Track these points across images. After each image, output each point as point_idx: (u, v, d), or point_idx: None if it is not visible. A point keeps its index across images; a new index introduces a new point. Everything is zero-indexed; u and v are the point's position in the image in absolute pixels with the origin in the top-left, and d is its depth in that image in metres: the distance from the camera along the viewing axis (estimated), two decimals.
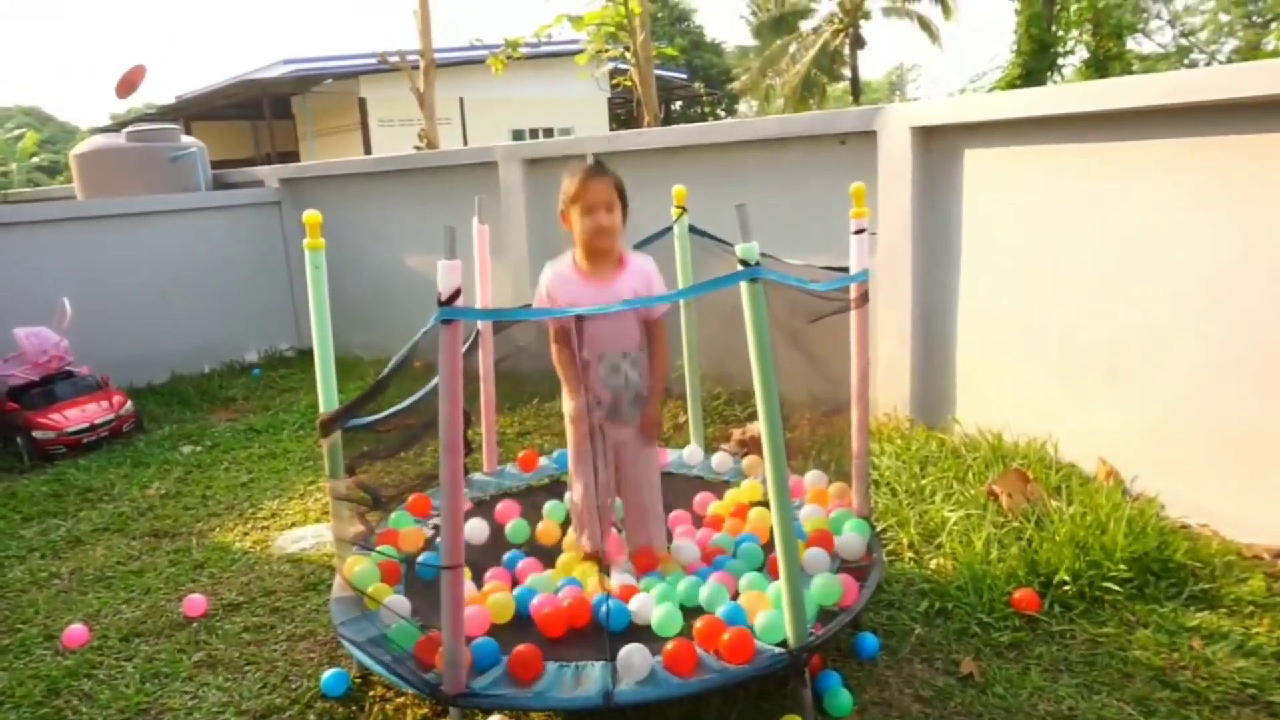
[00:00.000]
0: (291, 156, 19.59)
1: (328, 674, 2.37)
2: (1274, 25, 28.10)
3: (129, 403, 4.87)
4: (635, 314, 2.43)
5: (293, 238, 6.48)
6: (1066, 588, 2.54)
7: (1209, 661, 2.24)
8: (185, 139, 6.95)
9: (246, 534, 3.52)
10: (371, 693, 2.35)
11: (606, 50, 7.94)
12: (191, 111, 20.00)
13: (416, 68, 8.77)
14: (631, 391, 2.47)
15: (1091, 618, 2.47)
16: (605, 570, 2.40)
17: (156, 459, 4.44)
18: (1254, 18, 29.14)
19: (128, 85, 7.12)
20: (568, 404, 2.56)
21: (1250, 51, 27.62)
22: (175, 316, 6.05)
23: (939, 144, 3.70)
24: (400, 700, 2.30)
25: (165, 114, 19.33)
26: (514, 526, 2.88)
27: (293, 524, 3.60)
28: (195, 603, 2.87)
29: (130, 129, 6.89)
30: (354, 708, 2.30)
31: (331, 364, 2.39)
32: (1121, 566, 2.57)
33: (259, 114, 19.24)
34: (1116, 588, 2.53)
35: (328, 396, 2.38)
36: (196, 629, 2.78)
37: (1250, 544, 2.78)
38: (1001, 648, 2.39)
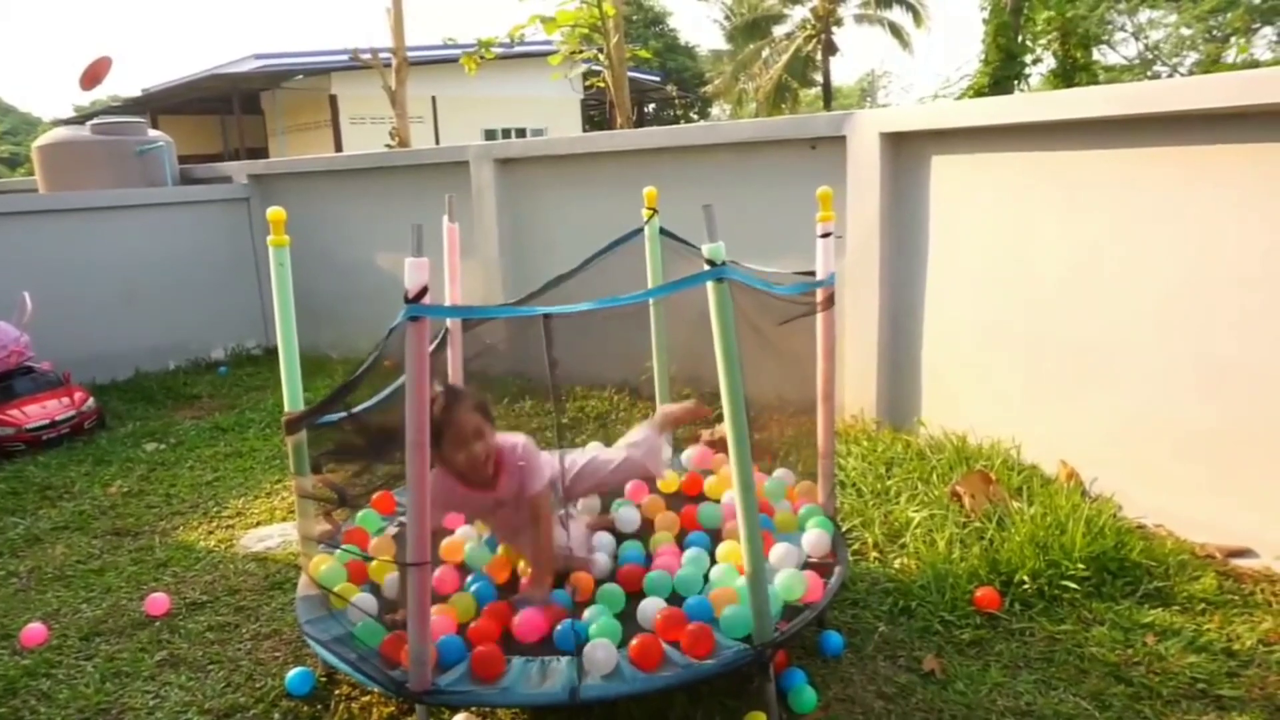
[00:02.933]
0: (261, 153, 19.37)
1: (292, 673, 2.36)
2: (1233, 40, 28.75)
3: (91, 399, 4.80)
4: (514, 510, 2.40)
5: (261, 235, 6.41)
6: (1026, 586, 2.59)
7: (1161, 657, 2.29)
8: (152, 133, 6.85)
9: (211, 533, 3.49)
10: (337, 691, 2.34)
11: (580, 51, 7.95)
12: (158, 105, 19.73)
13: (389, 65, 8.73)
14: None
15: (1050, 615, 2.52)
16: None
17: (119, 456, 4.38)
18: (1214, 32, 29.79)
19: (92, 77, 7.00)
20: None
21: (1211, 64, 28.23)
22: (140, 313, 5.96)
23: (907, 150, 3.75)
24: (366, 699, 2.29)
25: (131, 107, 19.05)
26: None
27: (258, 523, 3.57)
28: (157, 601, 2.83)
29: (95, 121, 6.78)
30: (319, 706, 2.29)
31: (296, 362, 2.38)
32: (1080, 565, 2.63)
33: (228, 109, 19.03)
34: (1075, 586, 2.58)
35: (292, 394, 2.37)
36: (159, 628, 2.74)
37: (1203, 544, 2.85)
38: (963, 645, 2.43)
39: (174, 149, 6.82)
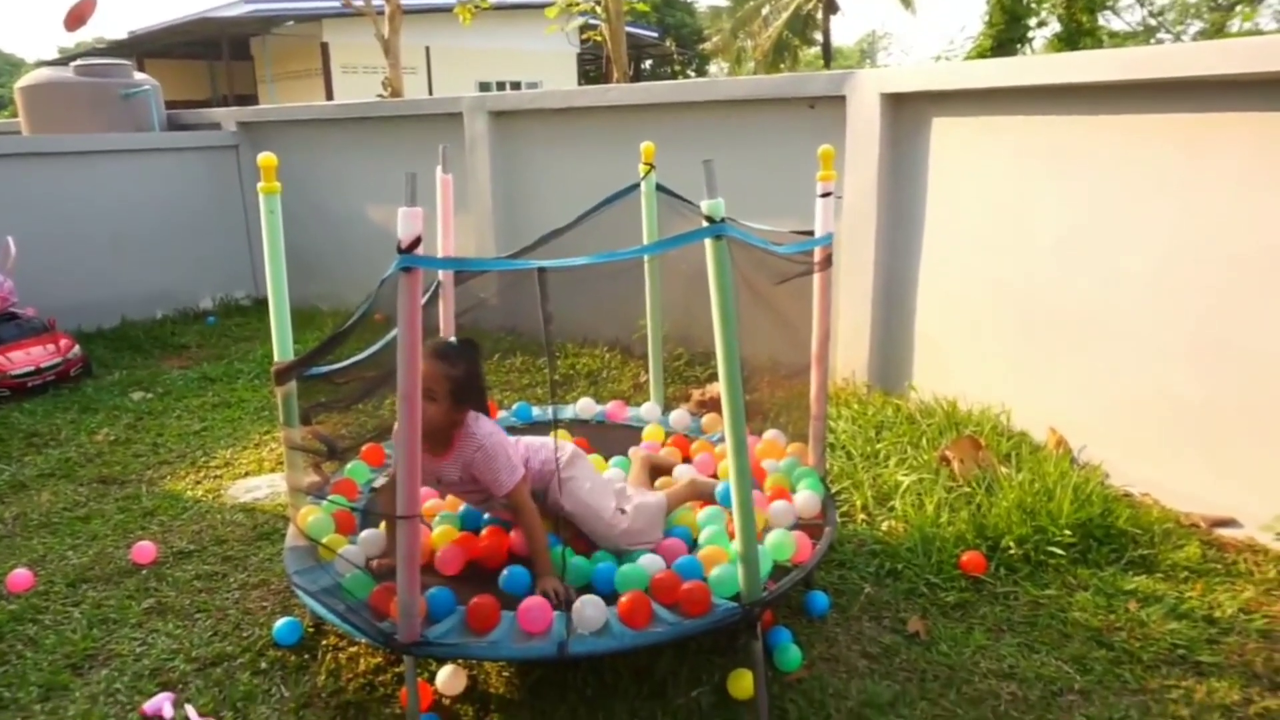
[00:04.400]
0: (249, 100, 19.03)
1: (280, 623, 2.36)
2: (1239, 8, 28.44)
3: (76, 347, 4.75)
4: (472, 486, 2.30)
5: (250, 183, 6.32)
6: (1012, 551, 2.61)
7: (1143, 623, 2.32)
8: (138, 76, 6.71)
9: (199, 482, 3.47)
10: (325, 642, 2.34)
11: (577, 4, 7.79)
12: (145, 48, 19.31)
13: (382, 13, 8.54)
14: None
15: (1035, 580, 2.54)
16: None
17: (105, 405, 4.35)
18: (1219, 0, 29.46)
19: (76, 18, 6.82)
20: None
21: (1215, 33, 27.93)
22: (126, 260, 5.88)
23: (907, 111, 3.70)
24: (353, 649, 2.30)
25: (116, 50, 18.63)
26: None
27: (246, 473, 3.55)
28: (144, 549, 2.83)
29: (79, 63, 6.63)
30: (306, 656, 2.30)
31: (286, 311, 2.34)
32: (1066, 532, 2.64)
33: (216, 54, 18.67)
34: (1060, 552, 2.60)
35: (282, 344, 2.34)
36: (146, 576, 2.74)
37: (1188, 513, 2.87)
38: (948, 608, 2.45)
39: (160, 93, 6.68)
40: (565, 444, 2.55)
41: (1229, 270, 2.81)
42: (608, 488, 2.43)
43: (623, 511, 2.35)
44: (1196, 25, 30.24)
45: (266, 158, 2.25)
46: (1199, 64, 2.79)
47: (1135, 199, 3.03)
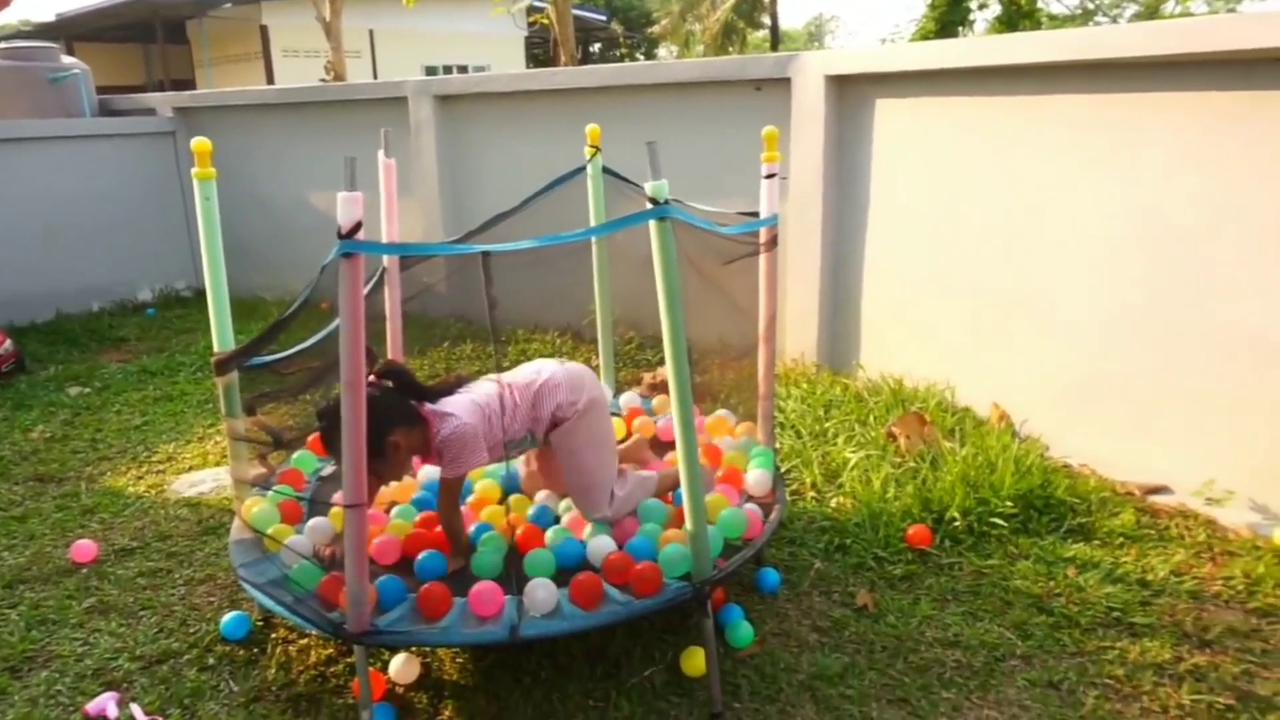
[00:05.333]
0: (187, 85, 18.47)
1: (228, 617, 2.33)
2: None
3: (8, 341, 4.59)
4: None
5: (189, 171, 6.12)
6: (957, 523, 2.68)
7: (1081, 588, 2.40)
8: (66, 60, 6.48)
9: (140, 478, 3.39)
10: (274, 635, 2.31)
11: None
12: (73, 31, 18.61)
13: None
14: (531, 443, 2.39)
15: (978, 551, 2.61)
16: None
17: (40, 401, 4.22)
18: None
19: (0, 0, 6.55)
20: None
21: (1150, 16, 28.60)
22: (60, 251, 5.69)
23: (852, 93, 3.74)
24: (304, 641, 2.28)
25: (43, 33, 17.93)
26: None
27: (190, 467, 3.48)
28: (84, 548, 2.76)
29: (2, 46, 6.37)
30: (255, 650, 2.27)
31: (225, 300, 2.30)
32: (1008, 503, 2.72)
33: (151, 37, 18.08)
34: (1002, 523, 2.67)
35: (222, 334, 2.29)
36: (86, 575, 2.68)
37: (1124, 482, 2.96)
38: (895, 580, 2.50)
39: (91, 78, 6.45)
40: (588, 387, 2.37)
41: (1162, 246, 2.89)
42: (610, 461, 2.38)
43: (610, 502, 2.34)
44: (1132, 8, 30.94)
45: (200, 142, 2.20)
46: (1133, 45, 2.86)
47: (1072, 178, 3.10)
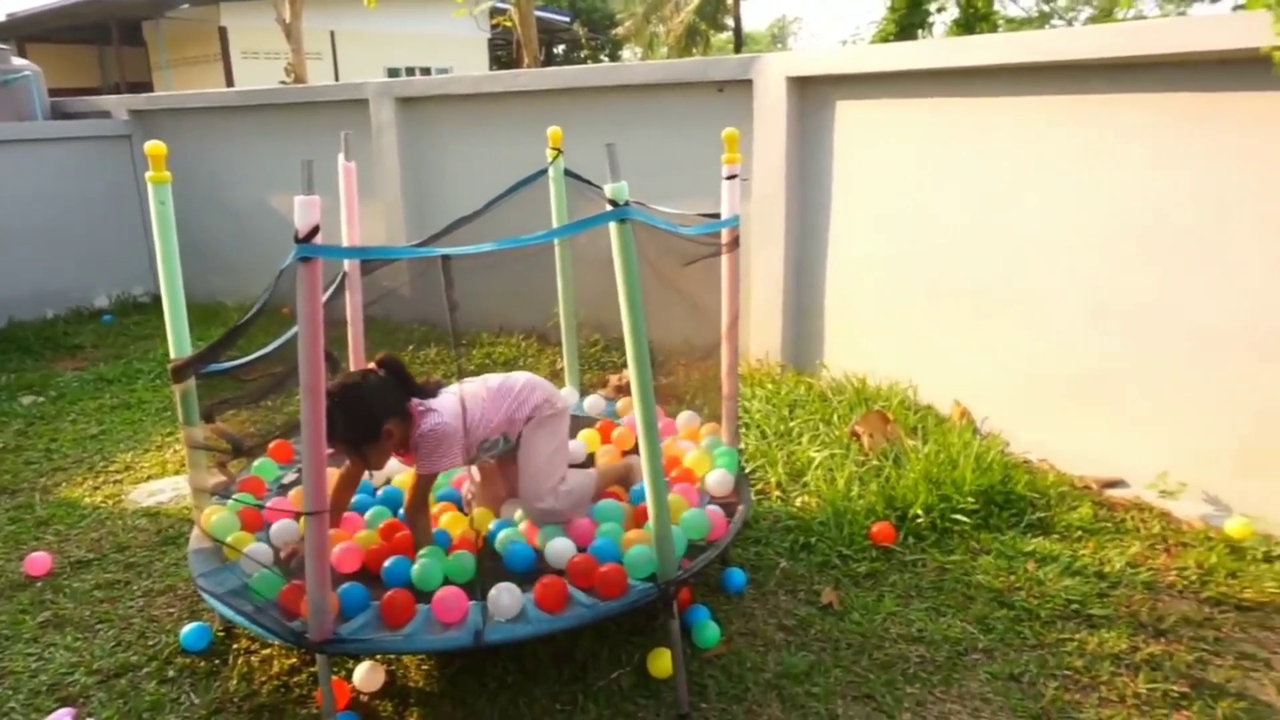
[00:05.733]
0: (144, 87, 18.13)
1: (187, 628, 2.29)
2: None
3: None
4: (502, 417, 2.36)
5: (145, 174, 6.04)
6: (920, 520, 2.71)
7: (1041, 582, 2.44)
8: (17, 61, 6.32)
9: (97, 488, 3.33)
10: (236, 645, 2.28)
11: None
12: (25, 32, 18.18)
13: None
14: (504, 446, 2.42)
15: (941, 547, 2.64)
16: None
17: None
18: None
19: None
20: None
21: (1104, 18, 29.20)
22: (11, 257, 5.56)
23: (813, 94, 3.77)
24: (266, 652, 2.25)
25: None
26: None
27: (149, 477, 3.42)
28: (39, 561, 2.70)
29: None
30: (216, 661, 2.24)
31: (182, 305, 2.26)
32: (969, 499, 2.76)
33: (106, 39, 17.70)
34: (964, 519, 2.71)
35: (178, 341, 2.26)
36: (41, 588, 2.62)
37: (1081, 476, 3.02)
38: (859, 577, 2.53)
39: (43, 80, 6.31)
40: (562, 397, 2.55)
41: (1113, 244, 2.95)
42: (563, 461, 2.44)
43: (555, 493, 2.36)
44: (1087, 11, 31.55)
45: (154, 146, 2.16)
46: (1086, 48, 2.92)
47: (1027, 178, 3.16)
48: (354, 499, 2.51)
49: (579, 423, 3.09)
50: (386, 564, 2.12)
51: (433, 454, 2.20)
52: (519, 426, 2.39)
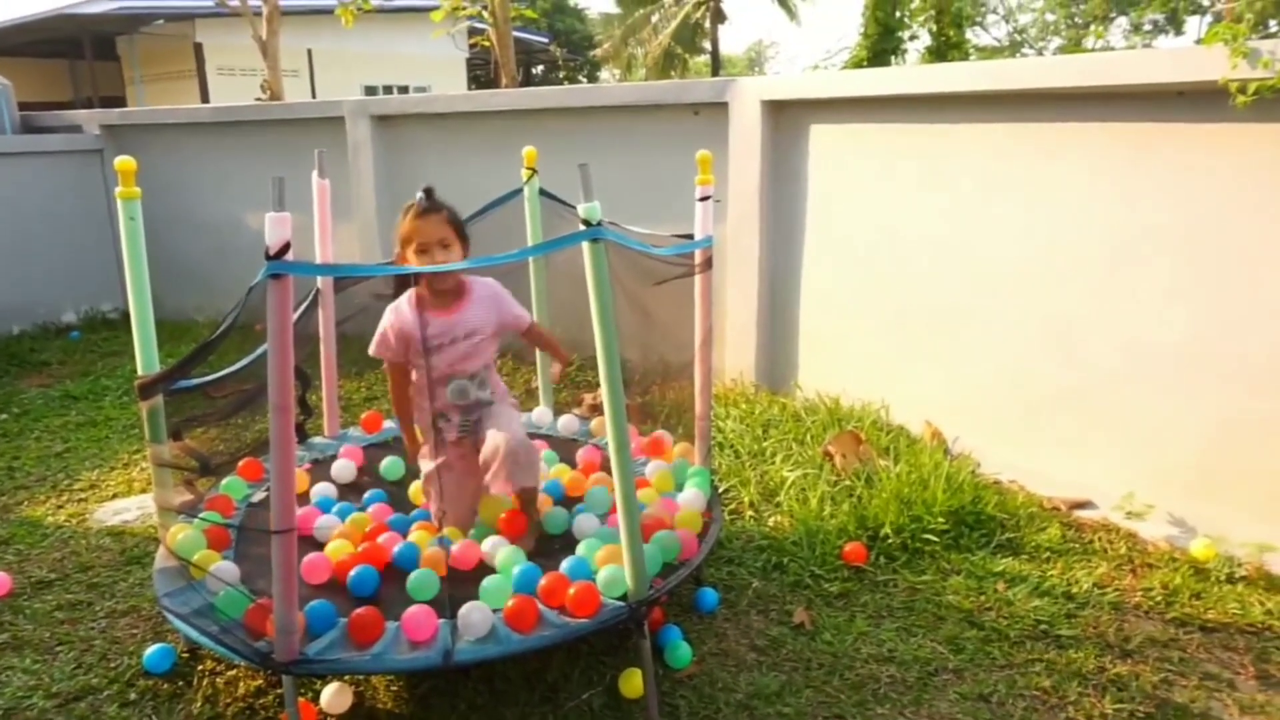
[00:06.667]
0: (117, 102, 17.97)
1: (151, 650, 2.25)
2: (1093, 26, 30.51)
3: None
4: (488, 334, 2.40)
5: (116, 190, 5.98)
6: (891, 540, 2.72)
7: (1010, 602, 2.46)
8: None
9: (60, 507, 3.27)
10: (200, 667, 2.24)
11: (463, 8, 7.70)
12: None
13: (259, 14, 8.23)
14: (479, 409, 2.43)
15: (912, 567, 2.66)
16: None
17: None
18: (1075, 19, 31.53)
19: None
20: (418, 415, 2.51)
21: (1072, 49, 29.87)
22: None
23: (787, 118, 3.82)
24: (232, 673, 2.21)
25: None
26: (389, 464, 2.93)
27: (114, 495, 3.36)
28: None
29: None
30: (180, 684, 2.20)
31: (150, 322, 2.24)
32: (940, 519, 2.78)
33: (78, 53, 17.57)
34: (935, 539, 2.73)
35: (146, 358, 2.23)
36: None
37: (1050, 497, 3.05)
38: (831, 597, 2.54)
39: (12, 94, 6.25)
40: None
41: (1081, 267, 3.01)
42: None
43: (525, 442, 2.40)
44: (1057, 41, 32.28)
45: (124, 161, 2.15)
46: (1049, 77, 2.98)
47: (995, 201, 3.21)
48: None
49: (553, 443, 3.09)
50: (352, 574, 2.11)
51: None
52: (491, 367, 2.45)
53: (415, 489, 2.70)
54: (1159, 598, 2.48)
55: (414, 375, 2.46)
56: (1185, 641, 2.31)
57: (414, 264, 2.29)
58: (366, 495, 2.71)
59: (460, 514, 2.47)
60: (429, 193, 2.33)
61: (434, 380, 2.36)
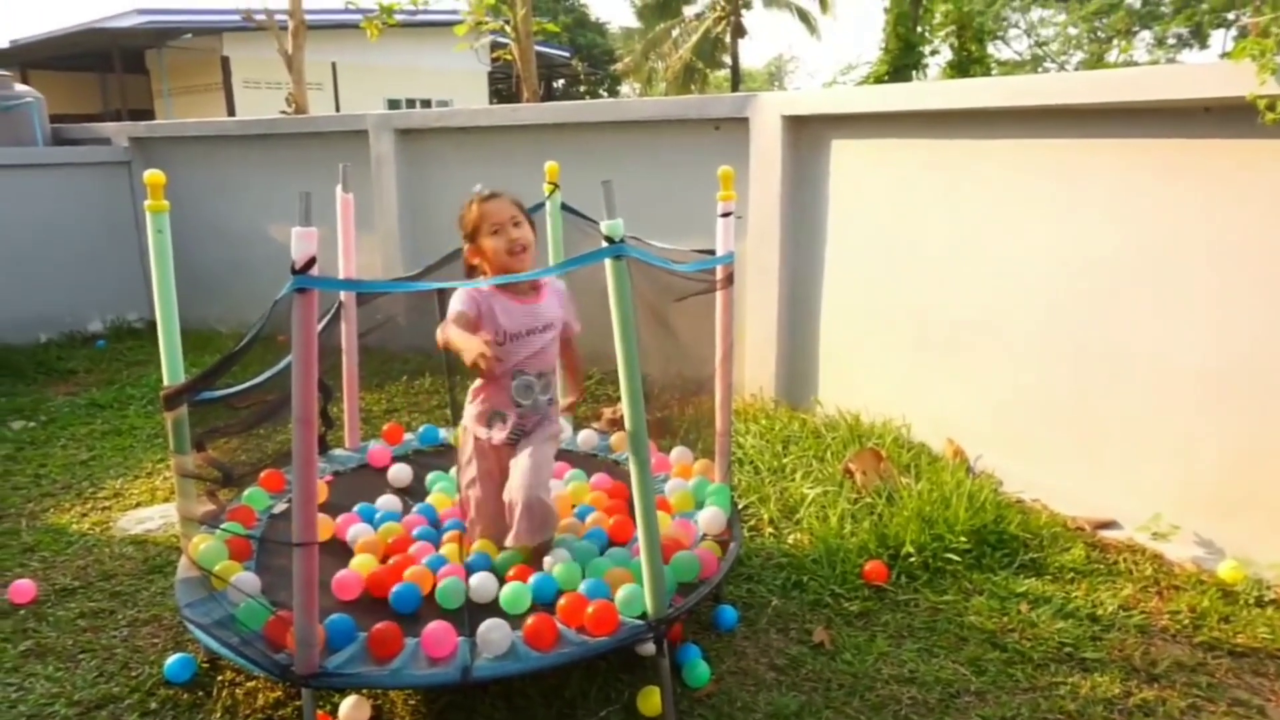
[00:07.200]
0: (145, 115, 18.26)
1: (171, 659, 2.26)
2: (1115, 41, 30.34)
3: None
4: (556, 333, 2.38)
5: (143, 201, 6.05)
6: (912, 559, 2.70)
7: (1034, 624, 2.42)
8: (19, 88, 6.38)
9: (85, 515, 3.30)
10: (220, 677, 2.25)
11: (486, 23, 7.76)
12: (28, 59, 18.35)
13: (285, 28, 8.34)
14: (539, 414, 2.39)
15: (934, 587, 2.63)
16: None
17: None
18: (1098, 33, 31.37)
19: None
20: (470, 410, 2.43)
21: (1095, 63, 29.71)
22: (6, 281, 5.56)
23: (808, 133, 3.81)
24: (250, 684, 2.22)
25: None
26: (433, 476, 2.94)
27: (138, 504, 3.39)
28: (22, 588, 2.66)
29: None
30: (200, 694, 2.20)
31: (176, 333, 2.27)
32: (962, 539, 2.75)
33: (108, 67, 17.87)
34: (957, 558, 2.70)
35: (172, 368, 2.26)
36: (23, 616, 2.58)
37: (1074, 516, 3.02)
38: (851, 617, 2.51)
39: (44, 106, 6.36)
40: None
41: (1107, 284, 2.98)
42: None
43: (548, 490, 2.36)
44: (1079, 56, 32.11)
45: (153, 175, 2.18)
46: (1073, 93, 2.96)
47: (1018, 217, 3.19)
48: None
49: (573, 459, 3.09)
50: (395, 590, 2.11)
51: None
52: (557, 372, 2.42)
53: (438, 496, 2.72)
54: (1186, 621, 2.44)
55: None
56: (1214, 666, 2.27)
57: (489, 246, 2.29)
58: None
59: (494, 525, 2.44)
60: (490, 191, 2.38)
61: (501, 374, 2.29)
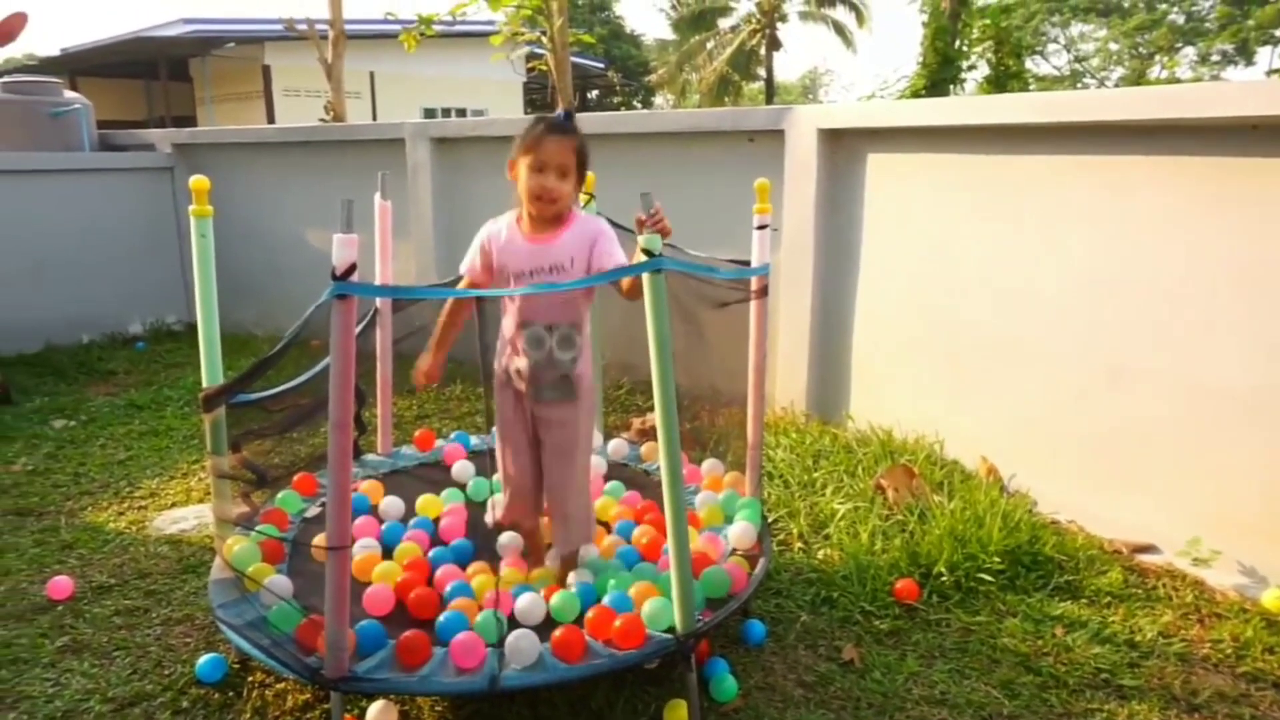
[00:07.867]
0: (188, 121, 18.67)
1: (203, 659, 2.28)
2: (1158, 57, 29.93)
3: None
4: (575, 274, 2.15)
5: (184, 206, 6.10)
6: (944, 578, 2.66)
7: (1069, 648, 2.38)
8: (69, 94, 6.53)
9: (122, 514, 3.35)
10: (250, 678, 2.27)
11: (522, 33, 7.83)
12: (78, 66, 18.82)
13: (325, 38, 8.48)
14: (555, 371, 2.21)
15: (966, 607, 2.59)
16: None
17: (24, 433, 4.18)
18: (1140, 49, 30.97)
19: (6, 33, 6.62)
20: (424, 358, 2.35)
21: (1136, 80, 29.32)
22: (51, 283, 5.69)
23: (844, 147, 3.80)
24: (280, 686, 2.23)
25: (48, 67, 18.10)
26: (476, 484, 2.97)
27: (173, 504, 3.44)
28: (60, 585, 2.71)
29: (6, 80, 6.43)
30: (230, 694, 2.23)
31: (216, 336, 2.30)
32: (995, 559, 2.70)
33: (153, 74, 18.27)
34: (990, 579, 2.66)
35: (211, 370, 2.28)
36: (61, 612, 2.63)
37: (1111, 539, 2.96)
38: (881, 635, 2.48)
39: (92, 112, 6.51)
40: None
41: (1145, 303, 2.93)
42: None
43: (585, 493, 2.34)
44: (1119, 71, 31.72)
45: (198, 180, 2.21)
46: (1114, 109, 2.92)
47: (1056, 234, 3.15)
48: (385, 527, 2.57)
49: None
50: (442, 619, 2.08)
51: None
52: (582, 330, 2.22)
53: (424, 501, 2.77)
54: (1229, 650, 2.38)
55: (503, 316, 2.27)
56: (1257, 698, 2.21)
57: (524, 177, 2.14)
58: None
59: (521, 507, 2.37)
60: (569, 114, 2.20)
61: (510, 327, 2.21)
